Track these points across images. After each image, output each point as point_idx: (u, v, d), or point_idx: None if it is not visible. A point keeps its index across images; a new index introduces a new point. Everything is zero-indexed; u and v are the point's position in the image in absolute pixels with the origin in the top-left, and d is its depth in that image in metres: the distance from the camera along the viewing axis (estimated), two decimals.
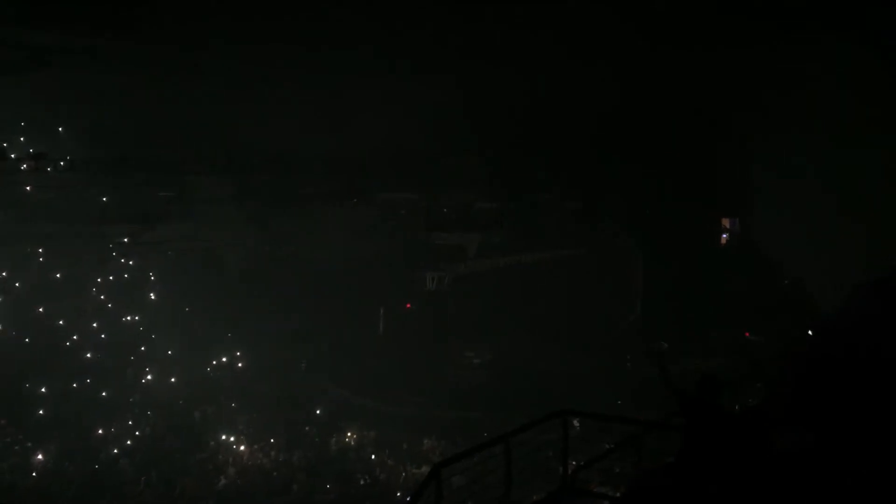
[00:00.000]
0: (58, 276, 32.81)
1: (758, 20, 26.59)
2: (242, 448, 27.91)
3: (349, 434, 29.15)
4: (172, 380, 32.25)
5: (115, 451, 27.17)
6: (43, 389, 29.92)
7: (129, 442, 28.06)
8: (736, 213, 35.77)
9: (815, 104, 26.97)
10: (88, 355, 31.89)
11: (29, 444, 27.12)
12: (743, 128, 30.98)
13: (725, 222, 36.74)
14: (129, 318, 33.54)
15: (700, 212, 33.91)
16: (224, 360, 33.94)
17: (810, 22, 26.44)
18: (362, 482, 25.85)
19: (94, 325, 32.69)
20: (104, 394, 30.75)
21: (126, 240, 33.24)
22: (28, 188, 31.12)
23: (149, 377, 32.18)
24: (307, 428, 29.55)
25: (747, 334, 32.16)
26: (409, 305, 35.45)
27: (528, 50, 27.16)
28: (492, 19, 26.26)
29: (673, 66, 28.13)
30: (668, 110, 30.60)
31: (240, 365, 33.98)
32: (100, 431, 28.33)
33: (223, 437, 28.48)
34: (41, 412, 29.04)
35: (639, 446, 9.10)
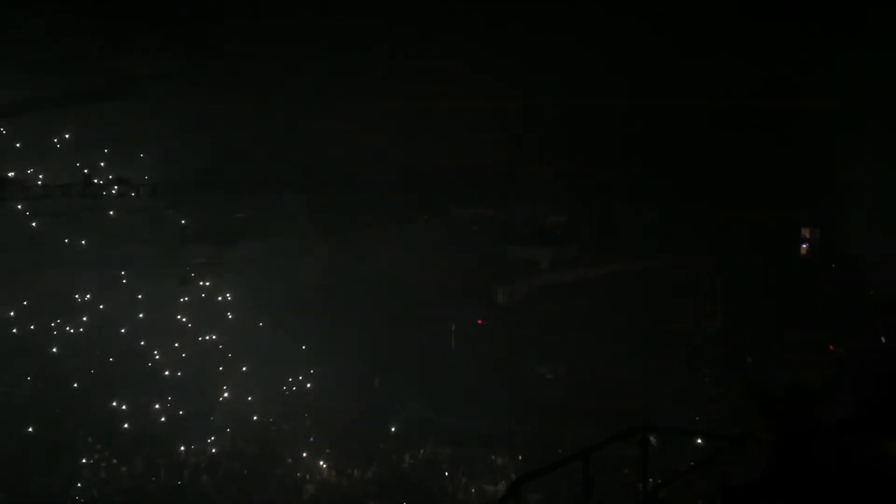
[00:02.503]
0: (139, 297, 33.87)
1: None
2: (319, 464, 28.21)
3: (423, 450, 29.15)
4: (249, 398, 32.95)
5: (199, 466, 27.85)
6: (125, 407, 30.94)
7: (209, 458, 28.73)
8: (817, 221, 34.63)
9: None
10: (167, 373, 32.81)
11: (115, 461, 28.02)
12: (826, 133, 29.86)
13: (805, 232, 35.60)
14: (207, 336, 34.36)
15: (780, 221, 32.92)
16: (299, 376, 34.50)
17: None
18: (438, 499, 25.81)
19: (175, 344, 33.57)
20: (184, 411, 31.61)
21: (204, 260, 34.08)
22: (111, 213, 32.22)
23: (226, 394, 32.92)
24: (381, 444, 29.68)
25: (831, 347, 31.02)
26: (479, 321, 35.36)
27: (596, 59, 26.85)
28: (559, 31, 26.04)
29: (751, 62, 27.16)
30: (745, 116, 29.78)
31: (313, 382, 34.47)
32: (182, 448, 29.12)
33: (300, 454, 28.87)
34: (126, 426, 30.04)
35: (723, 462, 8.78)
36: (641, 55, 26.40)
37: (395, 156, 30.18)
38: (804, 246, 35.54)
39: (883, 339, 28.79)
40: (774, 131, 30.57)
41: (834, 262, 32.77)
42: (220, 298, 35.36)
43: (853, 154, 28.74)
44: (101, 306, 33.62)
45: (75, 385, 31.44)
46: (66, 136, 32.27)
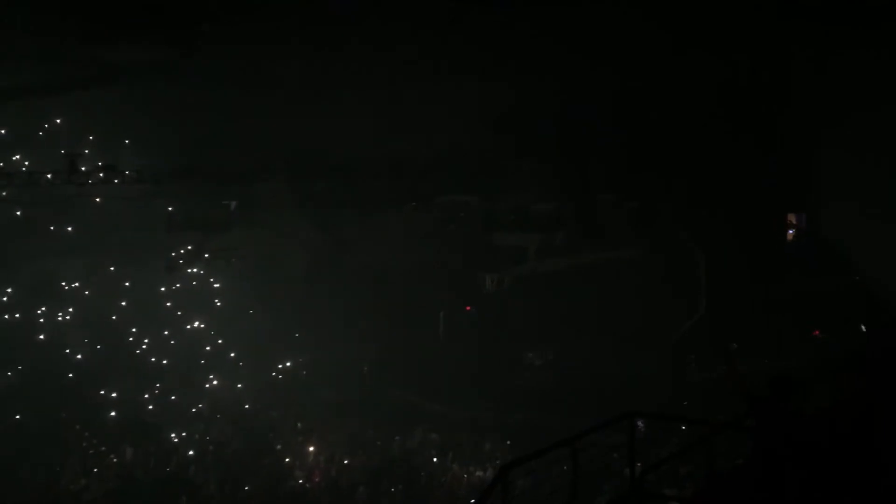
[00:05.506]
0: (127, 284, 33.74)
1: None
2: (308, 451, 28.27)
3: (412, 437, 29.24)
4: (239, 385, 32.99)
5: (189, 453, 27.86)
6: (115, 395, 30.91)
7: (198, 446, 28.72)
8: (803, 207, 34.80)
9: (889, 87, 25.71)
10: (154, 360, 32.78)
11: (103, 448, 27.98)
12: (809, 118, 29.92)
13: (792, 218, 35.75)
14: (195, 324, 34.30)
15: (765, 207, 33.04)
16: (288, 364, 34.54)
17: None
18: (426, 485, 25.91)
19: (164, 332, 33.51)
20: (173, 398, 31.63)
21: (191, 247, 33.97)
22: (98, 199, 32.01)
23: (215, 382, 32.94)
24: (370, 431, 29.76)
25: (816, 333, 31.30)
26: (468, 308, 35.45)
27: (580, 49, 26.79)
28: (549, 22, 25.95)
29: (731, 47, 27.12)
30: (728, 101, 29.81)
31: (303, 370, 34.54)
32: (171, 436, 29.11)
33: (289, 441, 28.92)
34: (113, 414, 30.03)
35: (708, 448, 8.90)
36: (628, 46, 26.35)
37: (382, 144, 30.13)
38: (790, 232, 35.69)
39: (863, 328, 29.08)
40: (760, 119, 30.66)
41: (819, 248, 32.96)
42: (207, 286, 35.28)
43: (840, 140, 28.90)
44: (87, 293, 33.47)
45: (65, 374, 31.37)
46: (52, 122, 31.98)
